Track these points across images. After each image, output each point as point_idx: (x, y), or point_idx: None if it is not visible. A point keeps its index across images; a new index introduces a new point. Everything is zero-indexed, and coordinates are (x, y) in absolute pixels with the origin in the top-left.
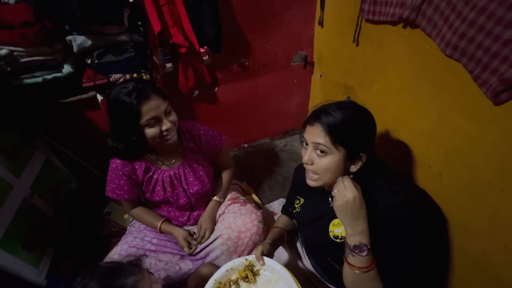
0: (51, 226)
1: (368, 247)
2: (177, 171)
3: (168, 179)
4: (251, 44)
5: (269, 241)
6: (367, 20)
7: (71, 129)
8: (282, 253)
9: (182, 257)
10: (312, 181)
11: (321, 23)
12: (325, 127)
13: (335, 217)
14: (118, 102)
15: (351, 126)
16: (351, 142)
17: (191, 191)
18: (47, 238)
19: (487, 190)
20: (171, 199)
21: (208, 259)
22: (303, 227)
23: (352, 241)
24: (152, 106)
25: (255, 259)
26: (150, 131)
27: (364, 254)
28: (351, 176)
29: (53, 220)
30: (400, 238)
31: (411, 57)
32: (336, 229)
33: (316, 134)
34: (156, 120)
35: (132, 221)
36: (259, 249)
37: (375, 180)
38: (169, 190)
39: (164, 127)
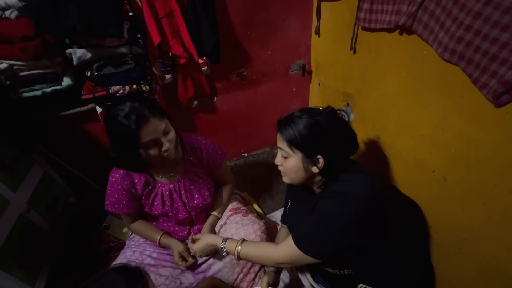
0: (48, 242)
1: (221, 247)
2: (177, 184)
3: (167, 193)
4: (249, 54)
5: (274, 268)
6: (364, 28)
7: (69, 143)
8: (284, 271)
9: (183, 270)
10: (283, 177)
11: (317, 32)
12: (283, 136)
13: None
14: (116, 124)
15: (306, 134)
16: (306, 147)
17: (191, 204)
18: (43, 254)
19: (494, 194)
20: (170, 213)
21: (210, 272)
22: (292, 231)
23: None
24: (150, 130)
25: None
26: (150, 153)
27: (225, 253)
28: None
29: (50, 235)
30: (322, 210)
31: (409, 63)
32: None
33: (279, 140)
34: (155, 142)
35: (131, 235)
36: (265, 280)
37: (339, 176)
38: (168, 203)
39: (164, 148)
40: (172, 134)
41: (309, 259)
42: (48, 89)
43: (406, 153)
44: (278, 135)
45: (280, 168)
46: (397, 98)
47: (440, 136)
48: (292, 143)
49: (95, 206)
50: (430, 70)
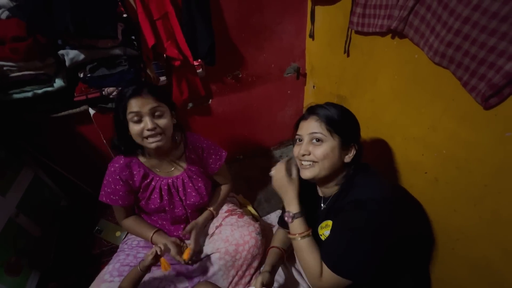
0: (38, 247)
1: (293, 214)
2: (175, 180)
3: (166, 187)
4: (244, 56)
5: (268, 268)
6: (357, 32)
7: (61, 145)
8: (280, 271)
9: (178, 274)
10: (307, 170)
11: (312, 36)
12: (321, 117)
13: (323, 220)
14: (118, 96)
15: (343, 117)
16: (344, 131)
17: (188, 202)
18: (33, 260)
19: (484, 194)
20: (167, 208)
21: (204, 277)
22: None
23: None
24: (138, 103)
25: None
26: (132, 128)
27: (289, 220)
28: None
29: (40, 240)
30: (349, 224)
31: (401, 66)
32: (326, 231)
33: (311, 126)
34: (139, 117)
35: (124, 238)
36: (259, 280)
37: (354, 179)
38: (166, 198)
39: (146, 126)
40: (163, 121)
41: (350, 281)
42: (40, 91)
43: (399, 155)
44: (308, 122)
45: (306, 158)
46: (390, 100)
47: (432, 138)
48: (332, 124)
49: (87, 210)
50: (422, 73)
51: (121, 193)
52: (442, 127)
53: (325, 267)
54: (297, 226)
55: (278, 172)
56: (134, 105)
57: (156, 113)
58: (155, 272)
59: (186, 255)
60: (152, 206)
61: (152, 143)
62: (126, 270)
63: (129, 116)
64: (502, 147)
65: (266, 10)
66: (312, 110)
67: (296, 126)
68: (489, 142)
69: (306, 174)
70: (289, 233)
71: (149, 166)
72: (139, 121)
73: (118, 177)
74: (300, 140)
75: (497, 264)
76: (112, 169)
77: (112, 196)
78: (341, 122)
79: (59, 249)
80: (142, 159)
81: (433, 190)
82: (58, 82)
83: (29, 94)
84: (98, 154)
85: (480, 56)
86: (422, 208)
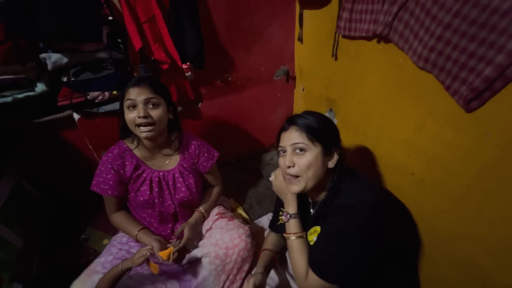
0: (20, 259)
1: (290, 214)
2: (167, 174)
3: (156, 179)
4: (234, 59)
5: (260, 269)
6: (344, 36)
7: (45, 151)
8: (272, 275)
9: (169, 276)
10: (295, 185)
11: (300, 39)
12: (301, 127)
13: (312, 226)
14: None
15: (322, 124)
16: (325, 137)
17: (177, 196)
18: (15, 273)
19: (468, 194)
20: (156, 200)
21: (195, 283)
22: (282, 233)
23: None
24: (135, 92)
25: None
26: (127, 115)
27: (285, 219)
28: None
29: (23, 252)
30: (338, 229)
31: (387, 70)
32: (314, 236)
33: (292, 136)
34: (133, 106)
35: (115, 237)
36: (251, 282)
37: (341, 184)
38: (156, 190)
39: (138, 114)
40: (157, 112)
41: (335, 286)
42: (20, 96)
43: (387, 156)
44: (289, 132)
45: (291, 171)
46: (377, 103)
47: (418, 140)
48: (312, 133)
49: (73, 218)
50: (407, 77)
51: (111, 182)
52: (426, 129)
53: (310, 269)
54: (292, 226)
55: (277, 177)
56: (132, 93)
57: (151, 104)
58: (146, 273)
59: (165, 256)
60: (141, 198)
61: (143, 132)
62: None
63: (125, 103)
64: (484, 148)
65: (255, 14)
66: (292, 121)
67: (278, 138)
68: (471, 144)
69: (295, 188)
70: (285, 232)
71: (142, 158)
72: (133, 108)
73: (110, 166)
74: (284, 151)
75: (481, 262)
76: (105, 158)
77: (102, 185)
78: (321, 129)
79: (43, 260)
80: (136, 151)
81: (420, 190)
82: (40, 87)
83: (9, 99)
84: (83, 160)
85: (461, 61)
86: (408, 211)
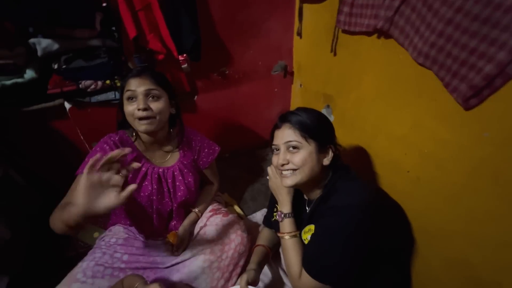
0: (7, 250)
1: (284, 213)
2: (166, 171)
3: (156, 176)
4: (231, 53)
5: (254, 266)
6: (344, 31)
7: (34, 141)
8: (266, 271)
9: (153, 281)
10: (288, 179)
11: (299, 34)
12: (294, 124)
13: (306, 224)
14: (125, 75)
15: (316, 121)
16: (319, 135)
17: (176, 195)
18: (2, 265)
19: (461, 193)
20: (154, 197)
21: (186, 281)
22: (277, 233)
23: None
24: (135, 83)
25: None
26: (126, 107)
27: (280, 219)
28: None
29: (10, 243)
30: (329, 229)
31: (385, 66)
32: (308, 235)
33: (286, 134)
34: (133, 97)
35: (102, 235)
36: (244, 278)
37: (336, 184)
38: (155, 187)
39: (138, 106)
40: (157, 105)
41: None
42: (8, 82)
43: (383, 154)
44: (282, 130)
45: (286, 168)
46: (375, 100)
47: (414, 137)
48: (306, 130)
49: None
50: (406, 73)
51: None
52: (423, 126)
53: (303, 269)
54: (286, 226)
55: (272, 175)
56: (132, 84)
57: (151, 96)
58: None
59: (172, 238)
60: (142, 194)
61: (142, 125)
62: (101, 271)
63: (125, 94)
64: (480, 147)
65: (254, 7)
66: (284, 118)
67: (272, 136)
68: (467, 142)
69: (287, 182)
70: (279, 231)
71: (142, 151)
72: (133, 100)
73: (107, 146)
74: (277, 149)
75: (472, 260)
76: (103, 140)
77: None
78: (315, 126)
79: (31, 252)
80: (136, 144)
81: (414, 188)
82: (29, 73)
83: None
84: (74, 150)
85: (462, 57)
86: (402, 211)
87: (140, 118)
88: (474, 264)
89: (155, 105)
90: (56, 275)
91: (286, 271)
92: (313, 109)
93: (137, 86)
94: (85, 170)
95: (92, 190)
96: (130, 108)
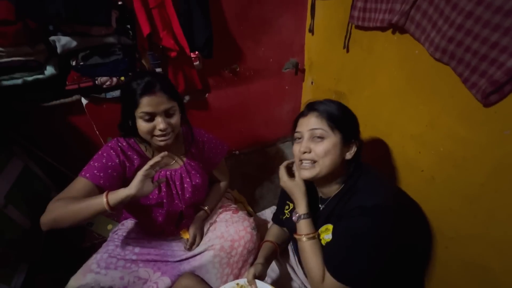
0: (27, 239)
1: (299, 214)
2: (174, 173)
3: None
4: (242, 50)
5: (261, 260)
6: (357, 27)
7: (52, 135)
8: (273, 267)
9: (163, 273)
10: (307, 170)
11: (311, 31)
12: (321, 113)
13: (324, 223)
14: (127, 87)
15: (343, 113)
16: (345, 126)
17: (184, 196)
18: (22, 252)
19: (480, 193)
20: (165, 200)
21: (198, 271)
22: (293, 234)
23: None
24: (152, 102)
25: (247, 284)
26: (142, 125)
27: (295, 220)
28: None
29: (29, 232)
30: (352, 230)
31: (401, 62)
32: (326, 235)
33: (312, 122)
34: (151, 117)
35: (115, 228)
36: (251, 271)
37: (357, 182)
38: (164, 190)
39: (158, 127)
40: (175, 120)
41: None
42: (30, 78)
43: (396, 152)
44: (308, 118)
45: (306, 156)
46: (389, 97)
47: (430, 135)
48: (333, 120)
49: None
50: (422, 69)
51: (110, 170)
52: (440, 124)
53: (327, 272)
54: (303, 227)
55: (282, 176)
56: (147, 104)
57: (169, 112)
58: (141, 272)
59: (186, 234)
60: (151, 197)
61: (161, 142)
62: (114, 262)
63: (140, 114)
64: (500, 145)
65: (266, 3)
66: (312, 106)
67: (295, 124)
68: (487, 140)
69: (306, 174)
70: (295, 233)
71: (149, 156)
72: (150, 120)
73: (115, 153)
74: (300, 138)
75: (491, 264)
76: (110, 144)
77: (96, 172)
78: (342, 118)
79: (49, 241)
80: (144, 149)
81: (429, 188)
82: (49, 70)
83: (19, 81)
84: (90, 145)
85: (482, 52)
86: (422, 211)
87: (160, 136)
88: (494, 269)
89: (173, 121)
90: (73, 265)
91: (307, 275)
92: (340, 102)
93: (156, 106)
94: (147, 166)
95: (145, 179)
96: (148, 126)
